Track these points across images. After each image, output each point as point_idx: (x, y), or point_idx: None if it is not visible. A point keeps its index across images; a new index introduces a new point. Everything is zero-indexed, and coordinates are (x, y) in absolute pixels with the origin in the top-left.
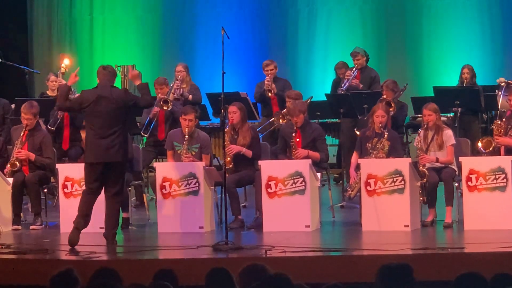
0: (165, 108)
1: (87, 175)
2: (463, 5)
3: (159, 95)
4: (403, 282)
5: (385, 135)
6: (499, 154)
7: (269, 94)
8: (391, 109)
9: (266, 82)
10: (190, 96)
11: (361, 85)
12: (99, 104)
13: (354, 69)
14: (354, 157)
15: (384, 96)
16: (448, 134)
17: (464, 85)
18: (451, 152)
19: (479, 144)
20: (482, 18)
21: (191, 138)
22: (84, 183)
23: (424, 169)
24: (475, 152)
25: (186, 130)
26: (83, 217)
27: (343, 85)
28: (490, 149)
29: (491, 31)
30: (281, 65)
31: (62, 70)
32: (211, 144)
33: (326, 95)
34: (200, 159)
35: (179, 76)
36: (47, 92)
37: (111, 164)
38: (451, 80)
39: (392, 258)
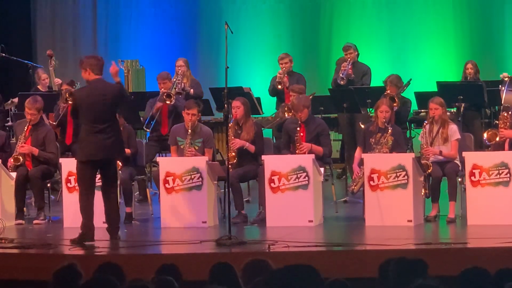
0: (168, 102)
1: (84, 174)
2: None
3: (162, 90)
4: (415, 277)
5: (389, 131)
6: (504, 148)
7: (279, 87)
8: (394, 104)
9: (278, 75)
10: (192, 90)
11: (353, 75)
12: (93, 100)
13: (348, 61)
14: (358, 152)
15: (388, 91)
16: (454, 129)
17: (468, 80)
18: (455, 147)
19: (484, 135)
20: (486, 13)
21: (194, 132)
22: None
23: (428, 162)
24: (478, 147)
25: (189, 125)
26: (92, 223)
27: (341, 74)
28: (496, 139)
29: (495, 26)
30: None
31: (51, 67)
32: (213, 138)
33: (330, 89)
34: (203, 154)
35: (180, 71)
36: (38, 87)
37: (108, 160)
38: (454, 75)
39: (395, 253)
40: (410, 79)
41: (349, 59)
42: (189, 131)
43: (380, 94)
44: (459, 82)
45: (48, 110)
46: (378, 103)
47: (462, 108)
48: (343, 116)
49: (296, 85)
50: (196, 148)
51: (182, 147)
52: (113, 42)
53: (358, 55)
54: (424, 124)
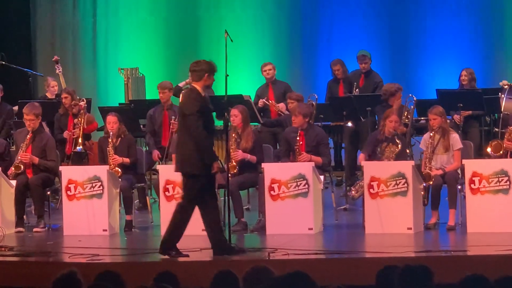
0: None
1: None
2: (467, 7)
3: (163, 100)
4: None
5: (399, 145)
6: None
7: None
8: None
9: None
10: None
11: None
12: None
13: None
14: (361, 158)
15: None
16: (455, 138)
17: (463, 88)
18: (458, 157)
19: (488, 149)
20: (486, 21)
21: None
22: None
23: (430, 172)
24: (477, 155)
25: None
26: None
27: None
28: (500, 152)
29: (494, 34)
30: (284, 67)
31: (59, 71)
32: None
33: (329, 98)
34: None
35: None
36: (47, 94)
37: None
38: (453, 83)
39: (395, 261)
40: (414, 104)
41: (361, 69)
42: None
43: (379, 102)
44: (458, 90)
45: (48, 118)
46: (387, 112)
47: (461, 119)
48: (348, 126)
49: (294, 92)
50: None
51: None
52: (113, 50)
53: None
54: (430, 135)
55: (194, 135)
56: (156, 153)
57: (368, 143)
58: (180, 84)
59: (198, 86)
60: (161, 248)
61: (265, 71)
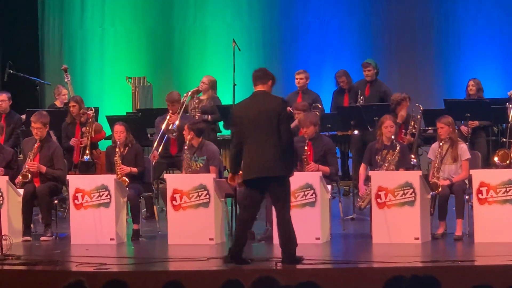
0: (171, 135)
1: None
2: (474, 18)
3: (170, 112)
4: None
5: (397, 149)
6: None
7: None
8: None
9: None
10: (209, 116)
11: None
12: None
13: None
14: (362, 169)
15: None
16: (464, 148)
17: (470, 98)
18: (466, 168)
19: (495, 159)
20: (493, 31)
21: (199, 150)
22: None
23: (437, 181)
24: (485, 165)
25: (187, 140)
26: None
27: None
28: (507, 162)
29: (501, 44)
30: (292, 76)
31: (67, 79)
32: (218, 156)
33: (337, 107)
34: (208, 171)
35: (202, 88)
36: (56, 102)
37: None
38: (462, 93)
39: (402, 271)
40: (421, 113)
41: (365, 77)
42: (186, 145)
43: (387, 111)
44: (466, 100)
45: (56, 127)
46: (382, 119)
47: (468, 131)
48: (355, 134)
49: (300, 102)
50: (201, 165)
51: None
52: (121, 59)
53: (377, 73)
54: (440, 144)
55: (288, 137)
56: (153, 154)
57: (366, 153)
58: (185, 95)
59: (268, 90)
60: (292, 260)
61: (297, 79)
